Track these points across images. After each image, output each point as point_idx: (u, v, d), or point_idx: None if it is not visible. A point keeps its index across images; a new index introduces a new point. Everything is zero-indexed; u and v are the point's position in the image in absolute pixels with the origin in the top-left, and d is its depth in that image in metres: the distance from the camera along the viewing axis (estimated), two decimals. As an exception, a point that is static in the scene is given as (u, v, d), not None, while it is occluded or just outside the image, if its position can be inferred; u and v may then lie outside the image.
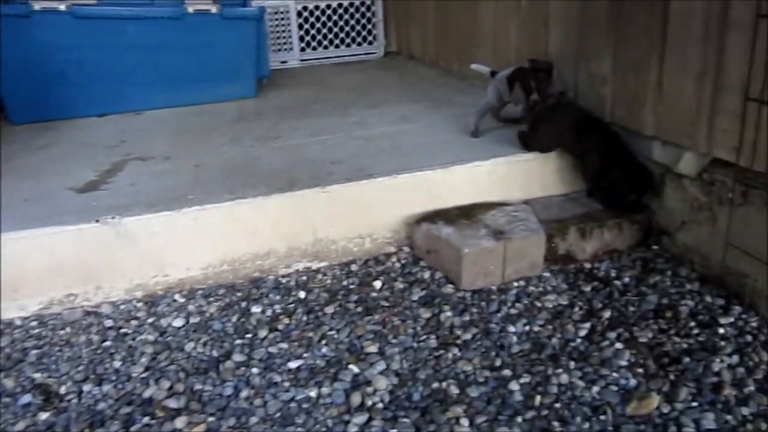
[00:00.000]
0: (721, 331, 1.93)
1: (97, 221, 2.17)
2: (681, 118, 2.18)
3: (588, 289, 2.20)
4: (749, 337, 1.90)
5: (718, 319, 1.98)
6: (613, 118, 2.53)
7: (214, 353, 1.97)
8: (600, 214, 2.40)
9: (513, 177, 2.54)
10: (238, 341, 2.01)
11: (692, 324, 1.98)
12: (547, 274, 2.28)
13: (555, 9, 2.84)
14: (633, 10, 2.34)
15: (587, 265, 2.33)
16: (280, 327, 2.07)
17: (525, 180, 2.54)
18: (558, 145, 2.50)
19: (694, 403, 1.68)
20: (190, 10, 3.48)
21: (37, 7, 3.28)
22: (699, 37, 2.06)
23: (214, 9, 3.51)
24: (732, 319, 1.97)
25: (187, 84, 3.63)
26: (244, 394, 1.78)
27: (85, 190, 2.46)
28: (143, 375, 1.88)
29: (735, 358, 1.82)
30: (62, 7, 3.34)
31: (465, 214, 2.39)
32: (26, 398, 1.81)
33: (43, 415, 1.74)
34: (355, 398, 1.74)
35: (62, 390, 1.83)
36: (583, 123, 2.46)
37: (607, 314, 2.05)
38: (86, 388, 1.84)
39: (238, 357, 1.94)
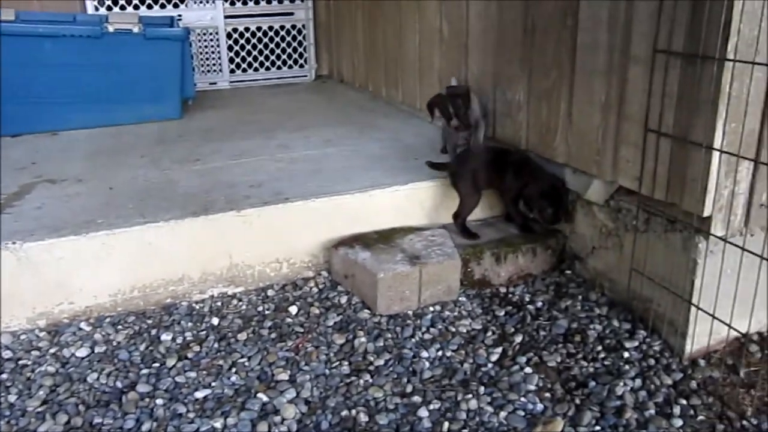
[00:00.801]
0: (626, 354, 1.99)
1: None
2: (589, 147, 2.26)
3: (502, 313, 2.23)
4: (652, 361, 1.96)
5: (624, 343, 2.04)
6: (527, 145, 2.60)
7: (118, 384, 1.89)
8: (515, 239, 2.45)
9: (431, 202, 2.56)
10: (145, 371, 1.94)
11: (599, 348, 2.03)
12: (462, 299, 2.30)
13: (474, 37, 2.90)
14: (544, 41, 2.42)
15: (502, 290, 2.37)
16: (190, 355, 2.01)
17: (443, 205, 2.57)
18: (481, 188, 2.52)
19: (597, 427, 1.71)
20: (111, 29, 3.40)
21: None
22: (604, 69, 2.14)
23: (136, 29, 3.44)
24: (636, 343, 2.03)
25: (107, 104, 3.54)
26: (145, 427, 1.72)
27: (-12, 213, 2.35)
28: (39, 409, 1.79)
29: (638, 382, 1.87)
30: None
31: (383, 239, 2.39)
32: None
33: (-75, 455, 1.64)
34: (262, 428, 1.70)
35: (-52, 430, 1.73)
36: (497, 159, 2.50)
37: (518, 339, 2.08)
38: (-24, 424, 1.74)
39: (142, 388, 1.87)
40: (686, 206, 1.90)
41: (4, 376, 1.93)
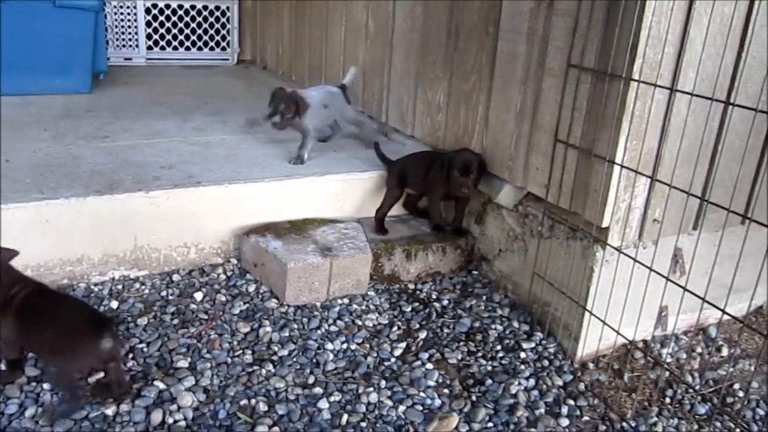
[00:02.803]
0: (523, 355, 2.07)
1: None
2: (502, 152, 2.33)
3: (408, 309, 2.26)
4: (546, 362, 2.05)
5: (522, 343, 2.12)
6: (444, 145, 2.65)
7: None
8: (426, 237, 2.49)
9: (347, 195, 2.57)
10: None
11: (498, 348, 2.10)
12: (371, 293, 2.32)
13: (398, 36, 2.93)
14: (466, 45, 2.47)
15: (411, 286, 2.40)
16: (84, 339, 1.93)
17: (359, 199, 2.58)
18: (404, 186, 2.55)
19: (490, 424, 1.77)
20: (19, -8, 3.21)
21: None
22: (521, 79, 2.21)
23: (44, -6, 3.27)
24: (533, 345, 2.12)
25: (12, 72, 3.33)
26: (29, 412, 1.63)
27: None
28: None
29: (531, 382, 1.95)
30: None
31: (296, 229, 2.38)
32: None
33: None
34: (156, 416, 1.66)
35: None
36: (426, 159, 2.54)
37: (423, 335, 2.12)
38: None
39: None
40: (587, 216, 1.99)
41: None
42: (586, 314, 2.02)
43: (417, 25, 2.77)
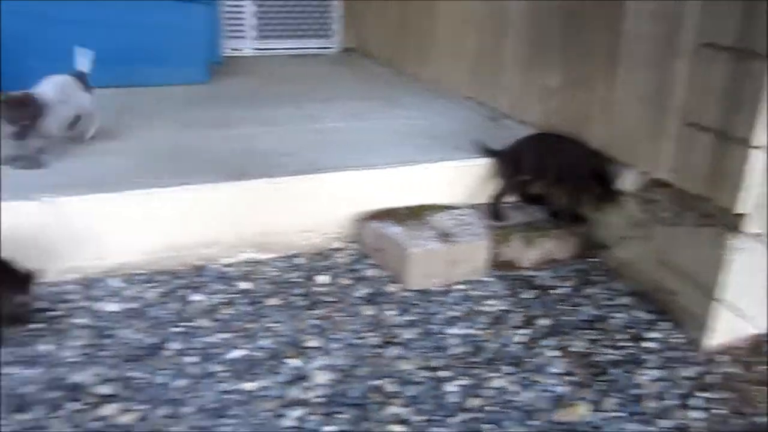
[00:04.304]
0: (647, 345, 2.02)
1: (34, 199, 2.09)
2: (626, 136, 2.27)
3: (527, 296, 2.25)
4: (672, 353, 1.99)
5: (646, 333, 2.07)
6: (560, 129, 2.61)
7: (150, 340, 1.92)
8: (543, 224, 2.47)
9: (461, 181, 2.58)
10: (175, 329, 1.98)
11: (622, 336, 2.06)
12: (489, 279, 2.33)
13: (511, 20, 2.89)
14: (588, 27, 2.41)
15: (528, 273, 2.39)
16: (221, 317, 2.05)
17: (473, 185, 2.58)
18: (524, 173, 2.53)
19: (619, 413, 1.75)
20: (143, -11, 3.39)
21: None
22: (647, 60, 2.14)
23: (167, -10, 3.44)
24: (658, 334, 2.06)
25: (135, 64, 3.52)
26: (178, 383, 1.76)
27: (27, 167, 2.36)
28: (74, 359, 1.82)
29: (658, 372, 1.90)
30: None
31: (413, 215, 2.41)
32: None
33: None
34: (293, 392, 1.74)
35: (-15, 373, 1.76)
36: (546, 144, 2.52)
37: (543, 322, 2.11)
38: (11, 370, 1.77)
39: (175, 345, 1.90)
40: (721, 202, 1.92)
41: (36, 326, 1.96)
42: (716, 304, 1.95)
43: (532, 7, 2.73)
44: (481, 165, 2.58)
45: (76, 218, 2.14)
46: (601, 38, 2.33)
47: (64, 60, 3.33)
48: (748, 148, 1.79)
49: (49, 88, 2.42)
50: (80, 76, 2.62)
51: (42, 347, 1.86)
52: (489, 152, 2.55)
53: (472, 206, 2.54)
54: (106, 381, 1.74)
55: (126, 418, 1.62)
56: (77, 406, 1.66)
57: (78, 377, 1.75)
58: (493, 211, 2.49)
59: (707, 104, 1.91)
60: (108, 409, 1.64)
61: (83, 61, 2.66)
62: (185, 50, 3.61)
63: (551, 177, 2.46)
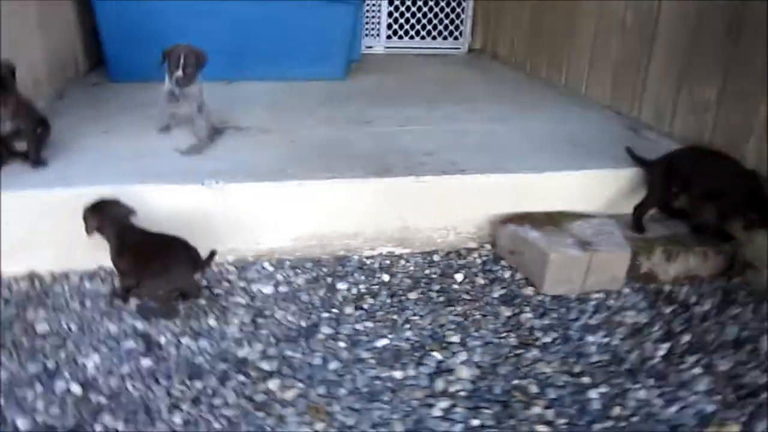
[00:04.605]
0: (802, 371, 1.94)
1: (202, 184, 2.28)
2: (786, 154, 2.18)
3: (667, 311, 2.22)
4: (830, 382, 1.91)
5: (799, 359, 1.99)
6: (712, 145, 2.53)
7: (303, 323, 2.06)
8: (686, 239, 2.41)
9: (601, 190, 2.56)
10: (325, 315, 2.10)
11: (772, 360, 1.99)
12: (626, 290, 2.31)
13: (662, 30, 2.83)
14: (750, 41, 2.33)
15: (667, 288, 2.35)
16: (365, 306, 2.16)
17: (612, 195, 2.56)
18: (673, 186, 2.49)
19: (772, 437, 1.70)
20: (294, -11, 3.58)
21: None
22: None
23: (316, -9, 3.60)
24: (813, 362, 1.98)
25: (280, 59, 3.73)
26: (332, 365, 1.87)
27: (189, 152, 2.58)
28: (237, 335, 1.98)
29: (814, 400, 1.83)
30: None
31: (552, 221, 2.43)
32: (129, 344, 1.93)
33: (145, 361, 1.86)
34: (439, 384, 1.82)
35: (162, 340, 1.95)
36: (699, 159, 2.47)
37: (686, 338, 2.08)
38: (184, 341, 1.95)
39: (325, 329, 2.03)
40: None
41: (202, 302, 2.14)
42: None
43: (687, 19, 2.67)
44: (622, 175, 2.56)
45: (237, 204, 2.31)
46: (765, 55, 2.25)
47: (216, 50, 3.60)
48: None
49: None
50: None
51: (209, 322, 2.04)
52: (641, 161, 2.52)
53: (612, 216, 2.52)
54: (267, 358, 1.89)
55: (288, 394, 1.75)
56: (242, 378, 1.81)
57: (242, 352, 1.91)
58: (636, 222, 2.46)
59: None
60: (271, 384, 1.78)
61: None
62: (328, 48, 3.77)
63: (702, 192, 2.40)
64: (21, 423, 1.63)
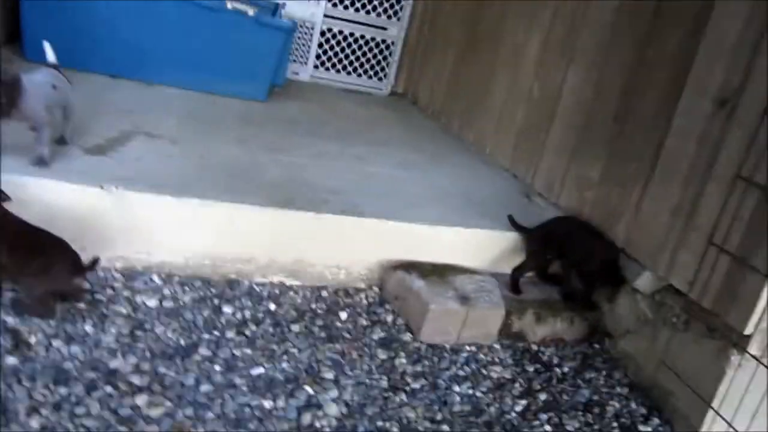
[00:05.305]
0: (638, 438, 2.14)
1: (101, 187, 2.26)
2: (650, 241, 2.42)
3: (531, 369, 2.38)
4: (661, 450, 2.12)
5: (638, 425, 2.19)
6: (591, 219, 2.76)
7: (182, 341, 2.07)
8: (557, 304, 2.61)
9: (488, 249, 2.73)
10: (206, 336, 2.12)
11: (615, 424, 2.18)
12: (497, 346, 2.47)
13: (562, 108, 3.08)
14: (633, 132, 2.59)
15: (534, 347, 2.52)
16: (247, 332, 2.19)
17: (498, 254, 2.74)
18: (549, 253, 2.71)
19: (602, 498, 1.87)
20: (229, 6, 3.61)
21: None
22: (683, 177, 2.30)
23: (251, 12, 3.65)
24: (650, 429, 2.19)
25: (203, 72, 3.73)
26: (204, 388, 1.89)
27: (93, 152, 2.54)
28: (112, 345, 1.97)
29: (644, 466, 2.03)
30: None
31: (437, 272, 2.56)
32: (-4, 339, 1.88)
33: (11, 359, 1.82)
34: (306, 418, 1.88)
35: (32, 339, 1.91)
36: (572, 228, 2.72)
37: (542, 396, 2.24)
38: (55, 343, 1.92)
39: (204, 351, 2.05)
40: (730, 320, 2.06)
41: (82, 305, 2.11)
42: (711, 412, 2.07)
43: (584, 102, 2.92)
44: (509, 237, 2.74)
45: (134, 212, 2.30)
46: (645, 145, 2.50)
47: (143, 51, 3.58)
48: (765, 278, 1.93)
49: (37, 74, 2.38)
50: (58, 69, 2.53)
51: (85, 327, 2.01)
52: (520, 228, 2.71)
53: (494, 274, 2.69)
54: (140, 372, 1.89)
55: (154, 412, 1.76)
56: (110, 390, 1.80)
57: (114, 363, 1.90)
58: (513, 283, 2.63)
59: (733, 231, 2.07)
60: (139, 400, 1.78)
61: (51, 54, 2.55)
62: (254, 68, 3.81)
63: (571, 260, 2.62)
64: None
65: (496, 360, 2.39)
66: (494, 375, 2.30)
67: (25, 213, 2.04)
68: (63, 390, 1.75)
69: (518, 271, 2.66)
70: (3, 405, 1.66)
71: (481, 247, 2.72)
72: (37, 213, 2.10)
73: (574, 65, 3.04)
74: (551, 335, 2.57)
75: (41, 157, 2.29)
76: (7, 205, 2.01)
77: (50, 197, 2.20)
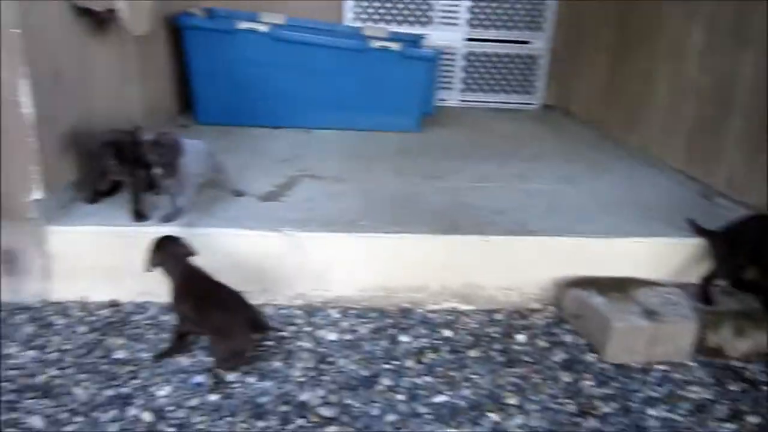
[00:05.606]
0: None
1: (277, 231, 2.40)
2: None
3: (735, 388, 2.16)
4: None
5: None
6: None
7: (364, 373, 2.12)
8: (758, 314, 2.35)
9: (670, 258, 2.54)
10: (386, 366, 2.16)
11: None
12: (692, 364, 2.27)
13: (740, 95, 2.81)
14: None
15: (736, 364, 2.29)
16: (426, 360, 2.20)
17: (682, 264, 2.54)
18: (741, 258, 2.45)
19: None
20: (375, 45, 3.73)
21: (241, 26, 3.66)
22: None
23: (394, 46, 3.75)
24: None
25: (356, 110, 3.89)
26: (389, 417, 1.92)
27: (266, 198, 2.72)
28: (300, 379, 2.06)
29: None
30: (263, 28, 3.69)
31: (617, 287, 2.42)
32: (199, 378, 2.04)
33: (212, 397, 1.96)
34: (494, 446, 1.84)
35: (229, 377, 2.05)
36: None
37: (753, 420, 2.02)
38: (250, 380, 2.05)
39: (386, 381, 2.08)
40: None
41: (270, 342, 2.24)
42: None
43: (763, 88, 2.65)
44: (693, 244, 2.53)
45: (310, 252, 2.42)
46: None
47: (298, 100, 3.82)
48: None
49: (196, 141, 2.57)
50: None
51: (274, 363, 2.13)
52: (704, 232, 2.50)
53: (679, 285, 2.49)
54: (328, 404, 1.96)
55: (346, 442, 1.81)
56: (302, 422, 1.88)
57: (304, 396, 1.99)
58: (703, 293, 2.42)
59: None
60: (329, 430, 1.85)
61: None
62: (404, 101, 3.91)
63: None
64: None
65: (693, 379, 2.20)
66: (693, 396, 2.11)
67: (210, 260, 2.20)
68: (261, 423, 1.86)
69: (708, 279, 2.44)
70: (212, 439, 1.79)
71: (662, 256, 2.54)
72: (221, 260, 2.28)
73: (748, 50, 2.78)
74: (756, 350, 2.32)
75: (174, 214, 2.45)
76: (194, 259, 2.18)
77: (232, 244, 2.38)
